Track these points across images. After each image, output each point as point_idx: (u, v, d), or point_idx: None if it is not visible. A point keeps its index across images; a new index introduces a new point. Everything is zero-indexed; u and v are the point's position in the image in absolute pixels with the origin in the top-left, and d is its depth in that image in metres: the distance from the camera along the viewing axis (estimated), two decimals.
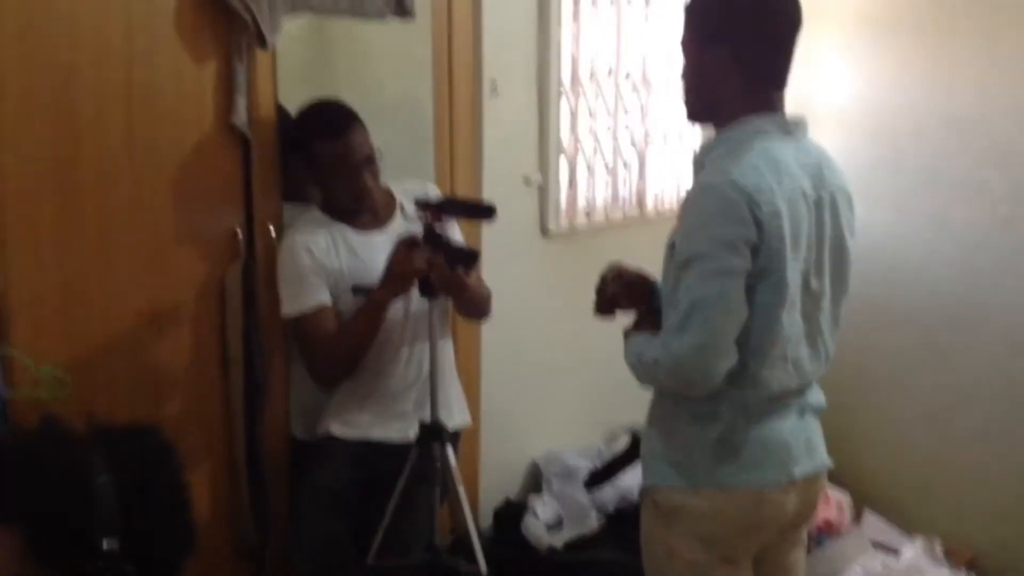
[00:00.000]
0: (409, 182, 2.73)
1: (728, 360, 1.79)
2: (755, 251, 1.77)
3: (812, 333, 1.92)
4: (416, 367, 2.63)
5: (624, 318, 2.10)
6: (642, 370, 1.89)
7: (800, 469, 1.93)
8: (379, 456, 2.58)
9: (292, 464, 2.71)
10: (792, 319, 1.86)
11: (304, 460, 2.65)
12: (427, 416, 2.48)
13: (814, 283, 1.89)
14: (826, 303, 1.94)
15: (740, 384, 1.85)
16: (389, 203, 2.64)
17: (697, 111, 1.96)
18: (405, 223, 2.53)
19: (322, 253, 2.52)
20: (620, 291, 2.09)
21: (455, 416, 2.73)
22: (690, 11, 1.94)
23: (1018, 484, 3.53)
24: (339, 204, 2.57)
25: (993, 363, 3.55)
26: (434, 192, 2.75)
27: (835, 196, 1.92)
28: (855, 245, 1.99)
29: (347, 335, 2.49)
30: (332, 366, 2.54)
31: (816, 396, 2.01)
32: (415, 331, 2.60)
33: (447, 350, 2.73)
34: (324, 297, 2.51)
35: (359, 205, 2.56)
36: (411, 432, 2.51)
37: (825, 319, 1.95)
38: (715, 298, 1.76)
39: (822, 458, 2.01)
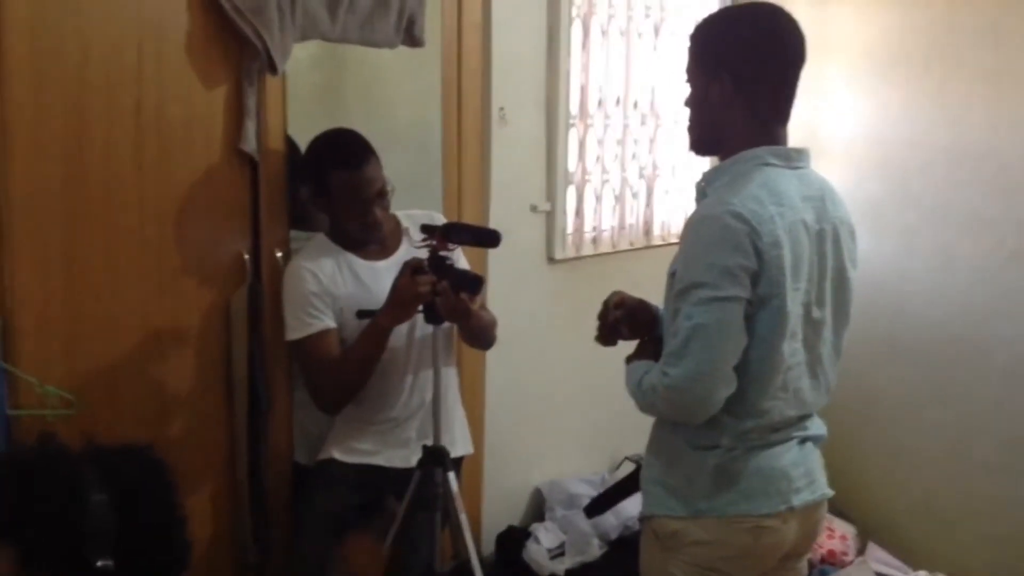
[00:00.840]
0: (416, 211, 2.74)
1: (726, 388, 1.79)
2: (755, 280, 1.77)
3: (813, 363, 1.92)
4: (420, 394, 2.63)
5: (627, 346, 2.10)
6: (641, 397, 1.89)
7: (800, 498, 1.93)
8: (382, 481, 2.59)
9: (294, 489, 2.71)
10: (793, 348, 1.86)
11: (306, 484, 2.65)
12: (430, 443, 2.48)
13: (816, 313, 1.90)
14: (827, 333, 1.94)
15: (740, 413, 1.85)
16: (395, 232, 2.65)
17: (701, 142, 1.97)
18: (411, 251, 2.54)
19: (327, 279, 2.53)
20: (622, 318, 2.10)
21: (458, 444, 2.73)
22: (695, 40, 1.95)
23: (1022, 518, 3.51)
24: (348, 233, 2.58)
25: (999, 397, 3.53)
26: (439, 220, 2.76)
27: (837, 228, 1.93)
28: (857, 277, 1.99)
29: (350, 360, 2.50)
30: (335, 390, 2.55)
31: (817, 426, 2.01)
32: (419, 358, 2.61)
33: (451, 377, 2.73)
34: (328, 322, 2.52)
35: (368, 236, 2.57)
36: (413, 459, 2.52)
37: (826, 349, 1.95)
38: (714, 326, 1.76)
39: (822, 488, 2.00)
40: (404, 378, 2.61)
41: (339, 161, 2.49)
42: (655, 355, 1.93)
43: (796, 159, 1.91)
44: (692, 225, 1.85)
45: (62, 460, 1.25)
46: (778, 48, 1.89)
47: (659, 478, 1.97)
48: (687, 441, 1.91)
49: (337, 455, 2.60)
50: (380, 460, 2.61)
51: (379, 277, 2.54)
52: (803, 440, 1.96)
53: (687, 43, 1.96)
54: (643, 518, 2.02)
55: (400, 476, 2.52)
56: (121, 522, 1.19)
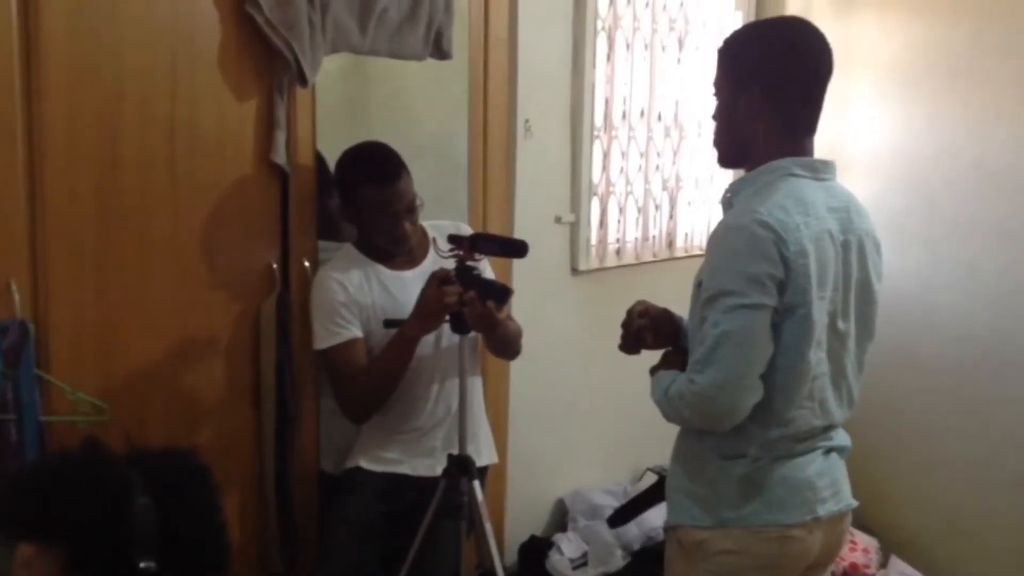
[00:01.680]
0: (443, 221, 2.76)
1: (753, 395, 1.80)
2: (781, 288, 1.78)
3: (836, 375, 1.93)
4: (445, 404, 2.65)
5: (651, 357, 2.12)
6: (668, 407, 1.90)
7: (825, 509, 1.93)
8: (407, 489, 2.60)
9: (321, 497, 2.73)
10: (819, 358, 1.87)
11: (333, 492, 2.67)
12: (455, 452, 2.50)
13: (841, 324, 1.90)
14: (851, 345, 1.95)
15: (766, 422, 1.86)
16: (423, 242, 2.67)
17: (728, 155, 1.98)
18: (437, 261, 2.56)
19: (355, 289, 2.55)
20: (646, 326, 2.11)
21: (483, 454, 2.74)
22: (724, 54, 1.96)
23: None
24: (376, 244, 2.60)
25: (1023, 410, 3.52)
26: (466, 230, 2.78)
27: (863, 240, 1.94)
28: (882, 290, 2.00)
29: (377, 369, 2.52)
30: (362, 399, 2.57)
31: (841, 437, 2.01)
32: (445, 367, 2.63)
33: (476, 388, 2.75)
34: (356, 331, 2.54)
35: (396, 249, 2.60)
36: (439, 468, 2.53)
37: (850, 362, 1.95)
38: (741, 333, 1.77)
39: (847, 498, 2.01)
40: (430, 387, 2.62)
41: (371, 176, 2.51)
42: (681, 365, 1.94)
43: (822, 171, 1.92)
44: (718, 234, 1.87)
45: (107, 464, 1.27)
46: (808, 61, 1.91)
47: (684, 487, 1.97)
48: (713, 450, 1.91)
49: (364, 464, 2.62)
50: (406, 469, 2.63)
51: (406, 287, 2.57)
52: (828, 451, 1.97)
53: (716, 57, 1.97)
54: (668, 528, 2.03)
55: (426, 485, 2.54)
56: (165, 525, 1.22)
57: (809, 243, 1.80)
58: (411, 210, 2.54)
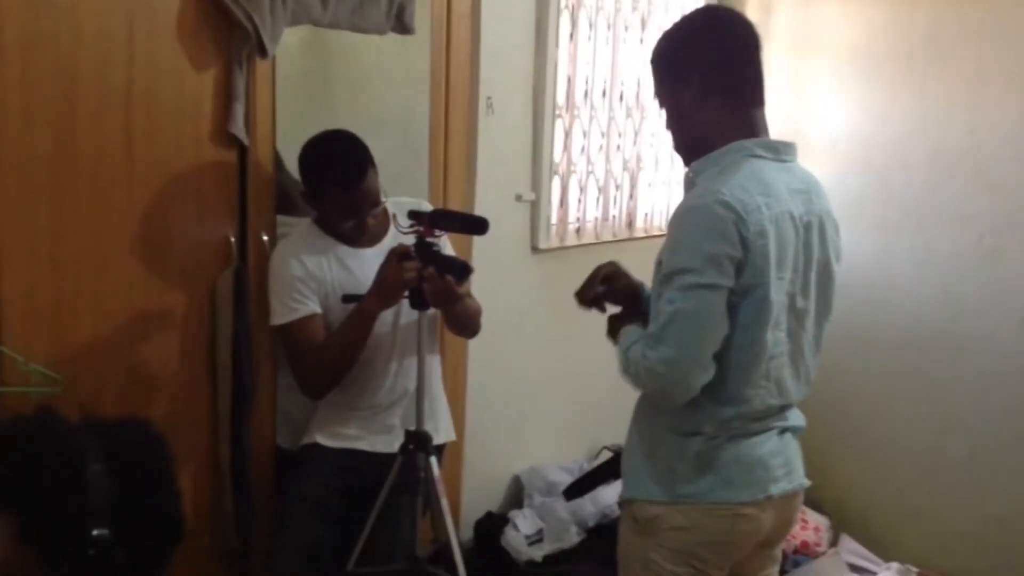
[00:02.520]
0: (404, 198, 2.75)
1: (704, 374, 1.82)
2: (739, 269, 1.80)
3: (795, 354, 1.96)
4: (403, 381, 2.65)
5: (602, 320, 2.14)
6: (627, 365, 1.91)
7: (778, 488, 1.96)
8: (364, 465, 2.60)
9: (277, 473, 2.72)
10: (776, 338, 1.89)
11: (290, 468, 2.66)
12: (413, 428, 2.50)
13: (800, 303, 1.93)
14: (810, 324, 1.98)
15: (723, 400, 1.88)
16: (383, 219, 2.65)
17: (691, 152, 1.99)
18: (397, 238, 2.56)
19: (313, 265, 2.54)
20: (604, 294, 2.15)
21: (441, 432, 2.75)
22: (655, 64, 2.03)
23: (995, 514, 3.56)
24: (336, 230, 2.59)
25: (974, 394, 3.58)
26: (427, 208, 2.77)
27: (823, 221, 1.97)
28: (840, 269, 2.03)
29: (335, 344, 2.51)
30: (319, 375, 2.56)
31: (796, 417, 2.04)
32: (404, 344, 2.62)
33: (435, 365, 2.75)
34: (313, 307, 2.53)
35: (356, 235, 2.59)
36: (397, 445, 2.53)
37: (808, 340, 1.98)
38: (694, 312, 1.79)
39: (799, 477, 2.04)
40: (388, 364, 2.62)
41: (338, 177, 2.48)
42: (645, 320, 1.96)
43: (784, 152, 1.95)
44: (680, 213, 1.88)
45: (61, 431, 1.26)
46: (731, 37, 1.97)
47: (640, 463, 2.00)
48: (669, 428, 1.94)
49: (321, 440, 2.62)
50: (363, 445, 2.63)
51: (365, 264, 2.56)
52: (783, 430, 2.00)
53: (651, 73, 2.04)
54: (623, 502, 2.05)
55: (384, 461, 2.54)
56: (118, 492, 1.21)
57: (769, 224, 1.82)
58: (375, 205, 2.53)
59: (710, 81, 1.92)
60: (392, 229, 2.64)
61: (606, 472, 2.26)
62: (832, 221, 2.00)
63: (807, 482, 2.06)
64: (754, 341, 1.85)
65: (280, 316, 2.52)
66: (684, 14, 2.05)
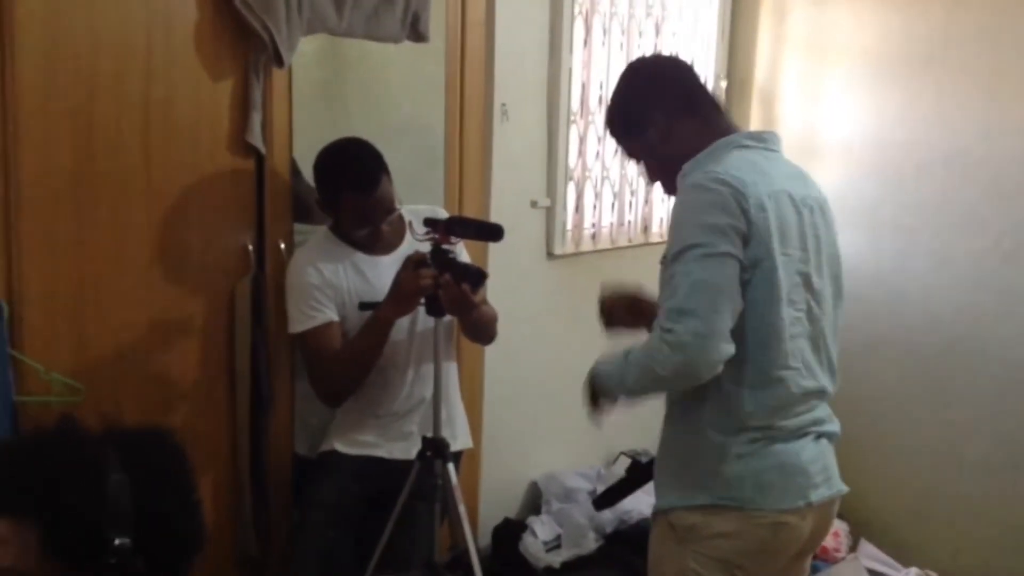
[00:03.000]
0: (420, 205, 2.75)
1: (728, 345, 1.79)
2: (745, 241, 1.81)
3: (816, 336, 1.95)
4: (421, 388, 2.65)
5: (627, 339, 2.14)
6: (634, 373, 1.89)
7: (817, 494, 1.94)
8: (383, 472, 2.61)
9: (295, 480, 2.73)
10: (793, 316, 1.88)
11: (308, 476, 2.67)
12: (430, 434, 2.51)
13: (816, 282, 1.93)
14: (828, 306, 1.97)
15: (755, 384, 1.86)
16: (399, 227, 2.66)
17: (671, 181, 2.00)
18: (413, 245, 2.56)
19: (330, 273, 2.55)
20: (617, 305, 2.17)
21: (458, 438, 2.75)
22: (614, 123, 2.12)
23: (1016, 519, 3.54)
24: (352, 237, 2.60)
25: (993, 397, 3.57)
26: (443, 215, 2.77)
27: (823, 205, 2.00)
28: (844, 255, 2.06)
29: (352, 351, 2.52)
30: (336, 382, 2.57)
31: (832, 424, 2.02)
32: (420, 351, 2.63)
33: (452, 372, 2.76)
34: (331, 314, 2.54)
35: (371, 243, 2.59)
36: (414, 451, 2.54)
37: (828, 323, 1.97)
38: (713, 280, 1.79)
39: (838, 484, 2.02)
40: (405, 372, 2.63)
41: (350, 185, 2.49)
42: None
43: (770, 141, 1.99)
44: (678, 199, 1.91)
45: (82, 440, 1.27)
46: (661, 67, 2.15)
47: (678, 469, 1.99)
48: (709, 426, 1.92)
49: (339, 447, 2.62)
50: (382, 452, 2.64)
51: (382, 272, 2.56)
52: (819, 436, 1.98)
53: (613, 135, 2.15)
54: (657, 512, 2.03)
55: (401, 468, 2.54)
56: (139, 502, 1.22)
57: (767, 199, 1.84)
58: (389, 212, 2.53)
59: (670, 108, 2.00)
60: (408, 237, 2.64)
61: (637, 479, 2.25)
62: (829, 207, 2.03)
63: (845, 488, 2.04)
64: (768, 318, 1.84)
65: (298, 324, 2.53)
66: (624, 70, 2.18)
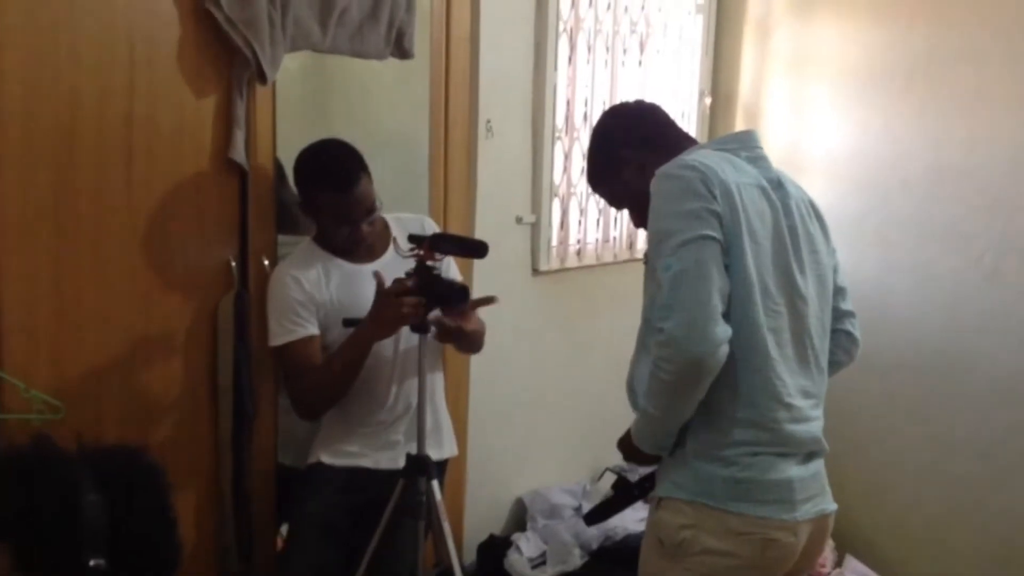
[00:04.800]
0: (404, 214, 2.76)
1: (723, 329, 1.78)
2: (720, 221, 1.82)
3: (799, 332, 1.94)
4: (406, 398, 2.64)
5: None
6: (656, 392, 1.87)
7: (804, 511, 1.93)
8: (369, 483, 2.60)
9: (280, 492, 2.72)
10: (768, 307, 1.88)
11: (294, 487, 2.66)
12: (415, 447, 2.50)
13: (798, 278, 1.93)
14: (813, 306, 1.97)
15: (742, 374, 1.86)
16: (383, 235, 2.66)
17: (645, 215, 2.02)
18: (397, 256, 2.56)
19: (313, 285, 2.54)
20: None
21: (444, 445, 2.76)
22: (591, 173, 2.23)
23: (1000, 533, 3.55)
24: (333, 244, 2.60)
25: (977, 413, 3.57)
26: (430, 225, 2.78)
27: (800, 205, 2.00)
28: (833, 259, 2.08)
29: (332, 366, 2.51)
30: (315, 396, 2.55)
31: (822, 441, 2.01)
32: (405, 362, 2.62)
33: (437, 380, 2.75)
34: (311, 329, 2.53)
35: (353, 249, 2.59)
36: (401, 461, 2.53)
37: (814, 322, 1.97)
38: (695, 267, 1.78)
39: (827, 501, 2.02)
40: (390, 383, 2.62)
41: (328, 183, 2.49)
42: None
43: (746, 141, 2.02)
44: (651, 191, 1.91)
45: (57, 461, 1.26)
46: (629, 111, 2.22)
47: (672, 478, 1.98)
48: (694, 453, 1.92)
49: (325, 458, 2.61)
50: (368, 462, 2.62)
51: (365, 281, 2.54)
52: (810, 455, 1.98)
53: (595, 186, 2.25)
54: (651, 520, 2.03)
55: (388, 478, 2.54)
56: (114, 522, 1.21)
57: (733, 187, 1.85)
58: (370, 212, 2.53)
59: (640, 145, 2.08)
60: (392, 245, 2.65)
61: (630, 496, 2.25)
62: (814, 207, 2.05)
63: (834, 506, 2.03)
64: (742, 309, 1.84)
65: (278, 337, 2.53)
66: (590, 136, 2.25)
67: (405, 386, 2.63)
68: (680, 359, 1.78)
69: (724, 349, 1.78)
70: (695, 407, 1.87)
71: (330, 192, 2.49)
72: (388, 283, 2.43)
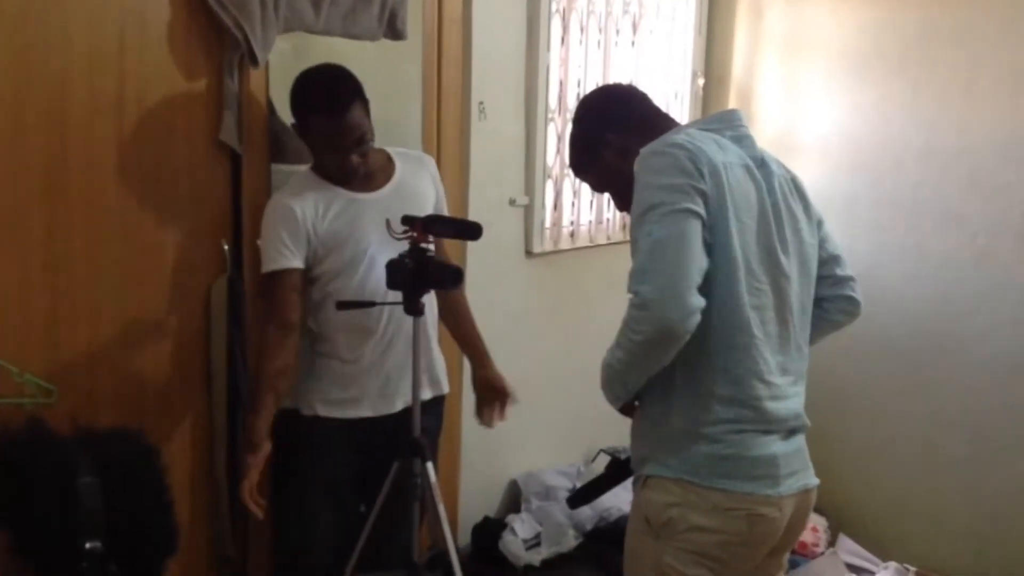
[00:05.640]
0: (409, 150, 2.77)
1: (696, 299, 1.77)
2: (705, 200, 1.82)
3: (782, 310, 1.95)
4: (398, 355, 2.61)
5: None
6: (625, 350, 1.87)
7: (790, 484, 1.94)
8: (370, 433, 2.60)
9: (280, 437, 2.63)
10: (752, 285, 1.88)
11: (288, 436, 2.58)
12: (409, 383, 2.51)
13: (781, 258, 1.94)
14: (795, 284, 1.98)
15: (723, 352, 1.87)
16: (386, 167, 2.63)
17: (629, 199, 1.99)
18: (399, 186, 2.60)
19: (309, 215, 2.49)
20: None
21: (442, 382, 2.79)
22: (573, 158, 2.23)
23: (991, 511, 3.57)
24: (331, 175, 2.55)
25: (969, 392, 3.59)
26: (428, 161, 2.79)
27: (783, 184, 2.00)
28: (817, 236, 2.08)
29: (263, 359, 2.49)
30: (260, 351, 2.52)
31: (803, 419, 2.02)
32: (395, 331, 2.60)
33: (430, 321, 2.70)
34: (294, 262, 2.48)
35: (345, 179, 2.54)
36: (399, 403, 2.59)
37: (795, 300, 1.98)
38: (674, 235, 1.78)
39: (809, 476, 2.03)
40: (386, 354, 2.60)
41: (319, 106, 2.45)
42: None
43: (730, 121, 2.02)
44: (636, 167, 1.91)
45: (51, 444, 1.26)
46: (614, 93, 2.26)
47: (648, 442, 2.00)
48: (679, 432, 1.93)
49: (322, 411, 2.59)
50: (366, 410, 2.61)
51: (364, 210, 2.54)
52: (792, 430, 1.98)
53: (574, 164, 2.26)
54: (637, 479, 2.04)
55: (387, 424, 2.57)
56: (110, 505, 1.21)
57: (720, 166, 1.86)
58: (360, 142, 2.48)
59: (620, 127, 2.08)
60: (395, 176, 2.63)
61: (611, 478, 2.25)
62: (798, 185, 2.06)
63: (816, 480, 2.04)
64: (725, 287, 1.85)
65: (264, 264, 2.50)
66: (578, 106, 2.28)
67: (396, 344, 2.60)
68: (652, 323, 1.78)
69: (696, 318, 1.78)
70: (657, 371, 1.88)
71: (320, 117, 2.45)
72: (391, 210, 2.48)
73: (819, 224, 2.10)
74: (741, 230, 1.86)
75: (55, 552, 1.18)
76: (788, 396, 1.97)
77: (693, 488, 1.91)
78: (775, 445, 1.93)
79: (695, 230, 1.80)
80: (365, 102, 2.49)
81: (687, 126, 2.02)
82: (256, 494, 2.39)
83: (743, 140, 1.99)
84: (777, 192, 1.96)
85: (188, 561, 2.49)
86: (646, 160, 1.89)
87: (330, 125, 2.44)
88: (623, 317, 1.85)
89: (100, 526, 1.19)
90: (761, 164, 1.97)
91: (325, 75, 2.50)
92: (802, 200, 2.05)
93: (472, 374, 2.87)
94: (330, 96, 2.45)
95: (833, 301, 2.14)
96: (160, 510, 1.31)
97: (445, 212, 2.75)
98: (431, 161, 2.80)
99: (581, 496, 2.34)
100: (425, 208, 2.62)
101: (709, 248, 1.83)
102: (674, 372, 1.91)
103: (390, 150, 2.67)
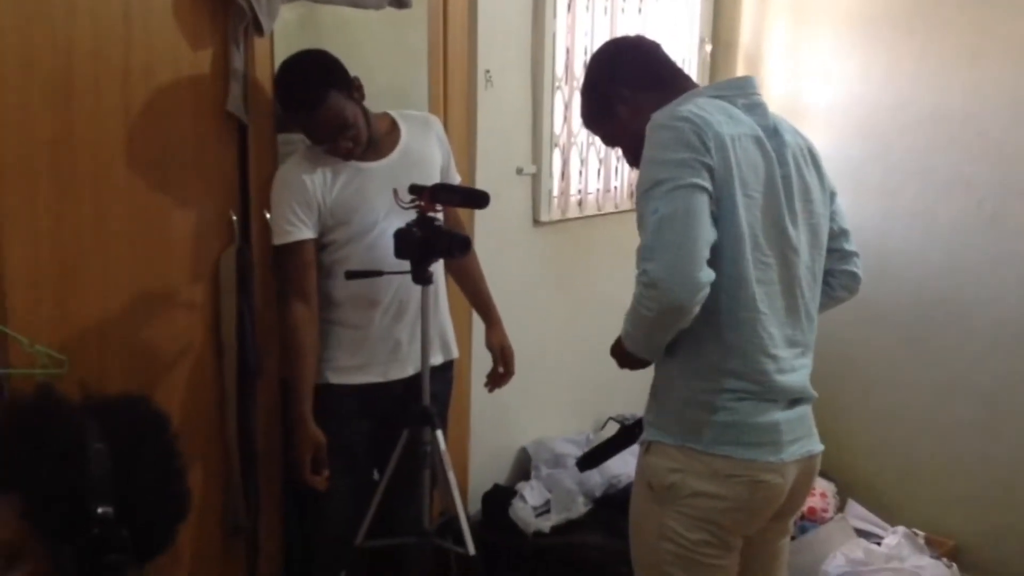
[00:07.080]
0: (410, 111, 2.76)
1: (705, 274, 1.78)
2: (712, 174, 1.82)
3: (790, 283, 1.95)
4: (408, 323, 2.63)
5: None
6: (636, 323, 1.89)
7: (791, 452, 1.95)
8: (383, 399, 2.62)
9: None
10: (758, 259, 1.89)
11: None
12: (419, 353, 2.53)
13: (790, 229, 1.93)
14: (804, 256, 1.97)
15: (729, 327, 1.88)
16: (391, 132, 2.63)
17: (639, 156, 1.99)
18: (407, 152, 2.61)
19: (319, 185, 2.50)
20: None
21: (452, 348, 2.81)
22: (586, 112, 2.21)
23: (1000, 477, 3.58)
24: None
25: (977, 358, 3.59)
26: (434, 122, 2.78)
27: (797, 154, 1.99)
28: (830, 206, 2.07)
29: (291, 343, 2.53)
30: (283, 326, 2.56)
31: (809, 389, 2.03)
32: (405, 300, 2.61)
33: (440, 287, 2.73)
34: (306, 232, 2.50)
35: (342, 159, 2.54)
36: (410, 368, 2.61)
37: (804, 272, 1.98)
38: (681, 213, 1.78)
39: (814, 443, 2.04)
40: (395, 324, 2.62)
41: (293, 103, 2.47)
42: None
43: (743, 87, 2.00)
44: (645, 140, 1.90)
45: (62, 410, 1.26)
46: (632, 48, 2.18)
47: (655, 410, 2.02)
48: (682, 400, 1.94)
49: (333, 379, 2.60)
50: (377, 376, 2.62)
51: (371, 178, 2.54)
52: (796, 400, 1.99)
53: (587, 127, 2.28)
54: (642, 444, 2.05)
55: (397, 388, 2.60)
56: (121, 470, 1.21)
57: (728, 139, 1.84)
58: (344, 128, 2.46)
59: (634, 82, 2.07)
60: (402, 141, 2.63)
61: (619, 442, 2.26)
62: (813, 154, 2.04)
63: (821, 447, 2.05)
64: (732, 261, 1.85)
65: (275, 237, 2.52)
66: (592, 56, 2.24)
67: (406, 312, 2.62)
68: (660, 302, 1.80)
69: (705, 292, 1.79)
70: (675, 334, 1.89)
71: (297, 113, 2.47)
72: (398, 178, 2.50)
73: (832, 196, 2.10)
74: (748, 205, 1.86)
75: (65, 518, 1.19)
76: (795, 369, 1.98)
77: (695, 454, 1.92)
78: (778, 413, 1.94)
79: (702, 204, 1.80)
80: (347, 86, 2.47)
81: (699, 92, 1.99)
82: (311, 472, 2.49)
83: (755, 108, 1.97)
84: (790, 163, 1.95)
85: (199, 528, 2.51)
86: (652, 134, 1.88)
87: (307, 119, 2.46)
88: (633, 292, 1.85)
89: (111, 491, 1.20)
90: (773, 134, 1.95)
91: (297, 69, 2.49)
92: (816, 170, 2.04)
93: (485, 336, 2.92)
94: (301, 91, 2.45)
95: (838, 276, 2.15)
96: (171, 476, 1.31)
97: (453, 171, 2.75)
98: (436, 121, 2.79)
99: (590, 459, 2.35)
100: (432, 173, 2.62)
101: (715, 222, 1.83)
102: (679, 343, 1.92)
103: (394, 114, 2.66)
